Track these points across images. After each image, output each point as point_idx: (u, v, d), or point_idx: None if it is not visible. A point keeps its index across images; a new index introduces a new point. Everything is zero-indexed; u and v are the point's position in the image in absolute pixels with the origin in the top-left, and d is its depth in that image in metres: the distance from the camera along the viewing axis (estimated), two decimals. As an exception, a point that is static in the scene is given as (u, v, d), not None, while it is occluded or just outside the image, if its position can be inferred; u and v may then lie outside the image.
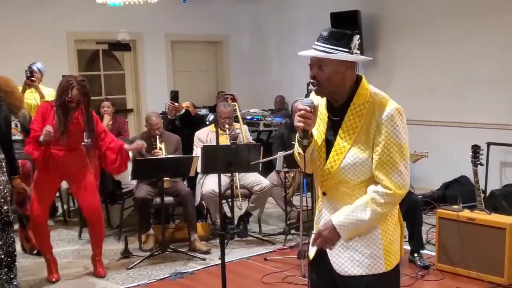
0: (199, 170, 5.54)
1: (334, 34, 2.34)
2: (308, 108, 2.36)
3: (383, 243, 2.42)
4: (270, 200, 6.29)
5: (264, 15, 9.78)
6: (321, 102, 2.49)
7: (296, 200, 6.10)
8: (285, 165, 5.44)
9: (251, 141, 6.31)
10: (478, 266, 4.57)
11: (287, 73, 9.38)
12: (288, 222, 5.99)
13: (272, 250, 5.54)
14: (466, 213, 4.73)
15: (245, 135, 6.15)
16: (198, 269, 5.07)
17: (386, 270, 2.42)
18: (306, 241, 5.57)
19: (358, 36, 2.36)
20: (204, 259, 5.27)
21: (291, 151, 5.16)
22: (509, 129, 6.45)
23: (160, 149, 5.65)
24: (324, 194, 2.48)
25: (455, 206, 4.89)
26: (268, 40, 9.86)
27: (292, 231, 5.81)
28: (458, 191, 6.44)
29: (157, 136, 5.73)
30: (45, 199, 4.80)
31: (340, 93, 2.40)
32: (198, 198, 5.84)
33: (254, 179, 5.86)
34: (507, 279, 4.46)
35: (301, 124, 2.36)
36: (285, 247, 5.61)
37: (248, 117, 8.66)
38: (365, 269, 2.41)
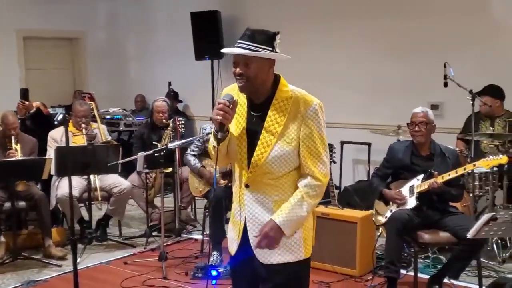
0: (53, 172, 5.30)
1: (257, 33, 2.47)
2: (228, 103, 2.45)
3: (302, 232, 2.57)
4: (131, 202, 6.16)
5: (123, 12, 9.55)
6: (238, 98, 2.56)
7: (157, 201, 6.01)
8: (145, 166, 5.37)
9: (110, 139, 6.12)
10: (332, 259, 4.78)
11: (147, 71, 9.23)
12: (150, 224, 5.91)
13: (132, 253, 5.43)
14: (321, 208, 4.92)
15: (103, 134, 5.97)
16: (52, 276, 4.87)
17: (305, 257, 2.59)
18: (168, 243, 5.55)
19: (279, 36, 2.52)
20: (60, 266, 5.07)
21: (151, 151, 5.13)
22: (361, 128, 6.81)
23: (16, 150, 5.36)
24: (247, 186, 2.55)
25: (311, 202, 5.06)
26: (126, 38, 9.63)
27: (154, 233, 5.75)
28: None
29: (13, 137, 5.41)
30: None
31: (262, 90, 2.53)
32: (53, 202, 5.59)
33: (113, 181, 5.72)
34: (359, 270, 4.72)
35: (219, 117, 2.43)
36: (146, 249, 5.53)
37: (108, 116, 8.38)
38: (287, 257, 2.54)
